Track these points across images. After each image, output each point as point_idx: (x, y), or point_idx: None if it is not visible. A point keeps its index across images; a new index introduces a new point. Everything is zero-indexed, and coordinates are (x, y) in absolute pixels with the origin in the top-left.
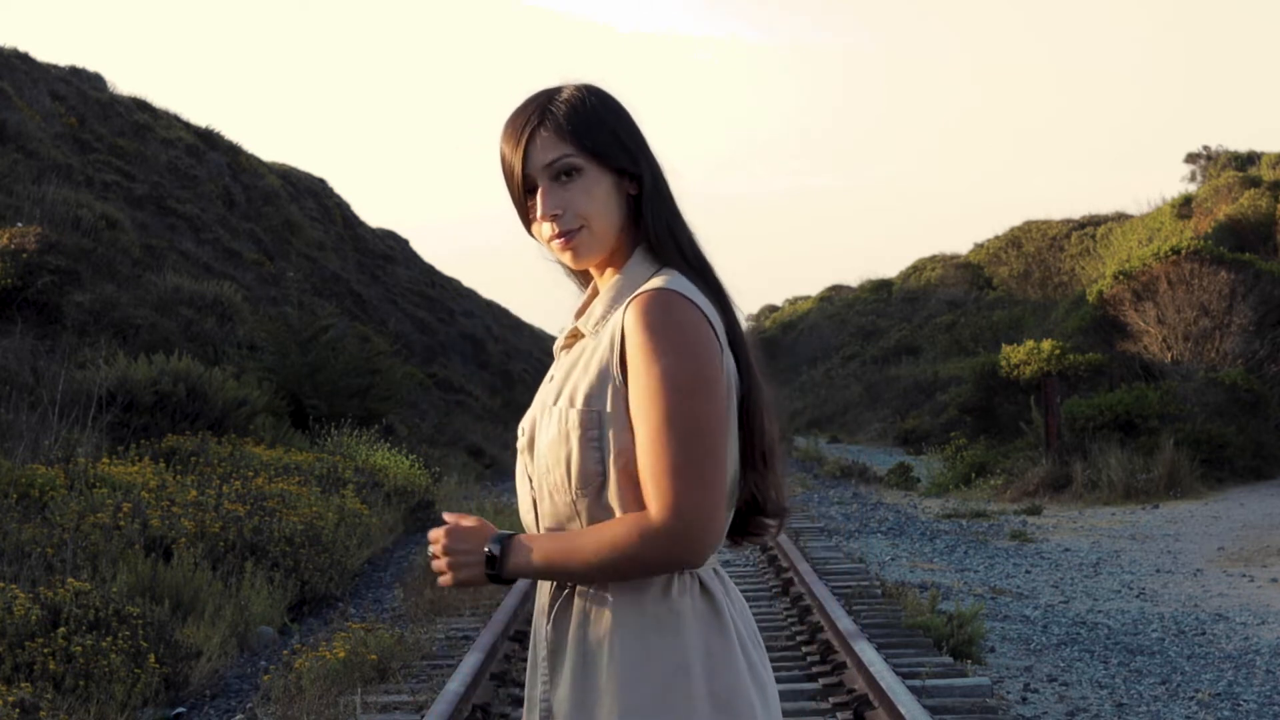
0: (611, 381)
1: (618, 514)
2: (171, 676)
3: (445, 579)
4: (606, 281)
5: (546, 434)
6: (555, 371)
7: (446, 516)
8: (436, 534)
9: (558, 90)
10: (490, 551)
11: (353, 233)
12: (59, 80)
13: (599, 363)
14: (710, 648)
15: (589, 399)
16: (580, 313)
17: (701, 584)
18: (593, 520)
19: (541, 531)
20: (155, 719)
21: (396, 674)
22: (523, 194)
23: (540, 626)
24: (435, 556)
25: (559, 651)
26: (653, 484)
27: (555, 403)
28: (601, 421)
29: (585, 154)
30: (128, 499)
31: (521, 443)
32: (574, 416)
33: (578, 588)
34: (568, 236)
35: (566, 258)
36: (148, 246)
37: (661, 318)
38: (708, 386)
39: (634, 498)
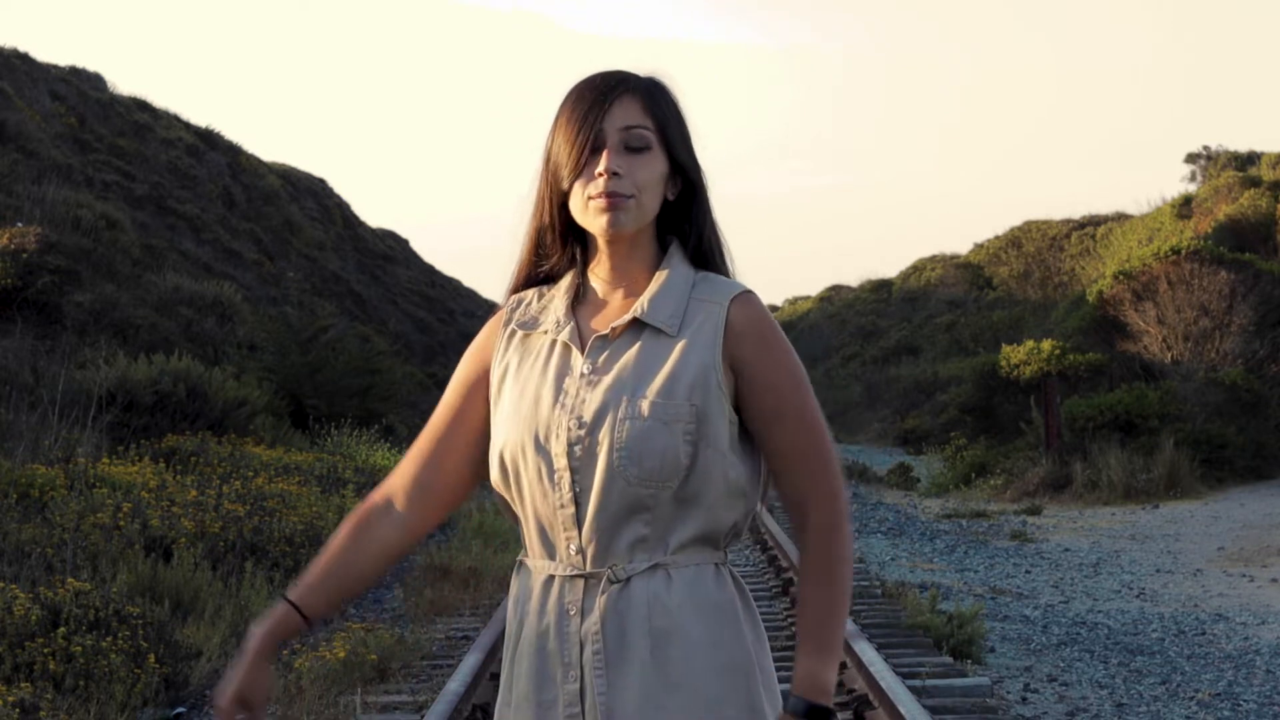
0: (714, 377)
1: (696, 503)
2: (171, 676)
3: None
4: (637, 270)
5: (630, 425)
6: (603, 361)
7: None
8: None
9: (644, 73)
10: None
11: (353, 233)
12: (59, 80)
13: (699, 359)
14: (754, 634)
15: (690, 393)
16: (575, 304)
17: (732, 575)
18: (666, 512)
19: (587, 523)
20: (155, 719)
21: (396, 674)
22: (587, 148)
23: (574, 630)
24: None
25: (619, 647)
26: (813, 482)
27: (635, 395)
28: (699, 416)
29: (659, 135)
30: (128, 499)
31: (576, 434)
32: (674, 409)
33: (635, 580)
34: (617, 199)
35: (603, 221)
36: (148, 246)
37: (769, 318)
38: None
39: (720, 489)
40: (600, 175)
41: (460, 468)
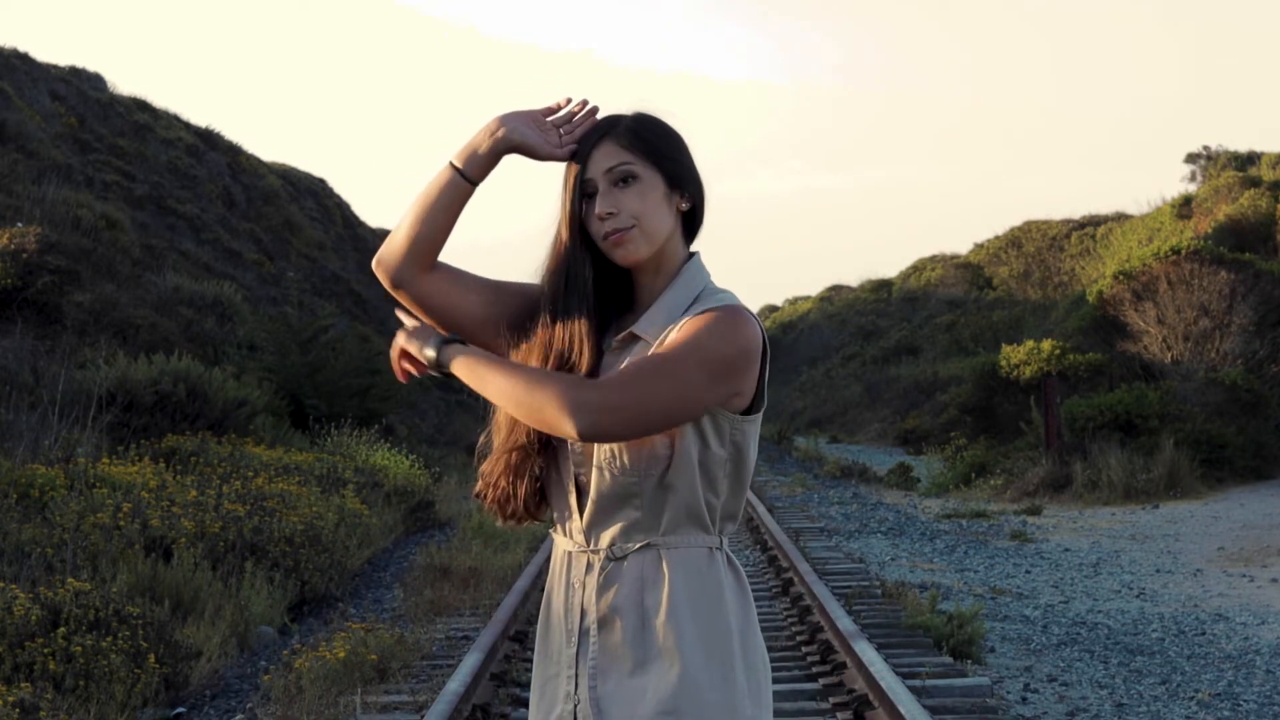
0: None
1: (679, 488)
2: (171, 676)
3: (399, 347)
4: (661, 288)
5: None
6: (605, 370)
7: (403, 318)
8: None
9: (627, 113)
10: (441, 337)
11: (353, 233)
12: (59, 80)
13: None
14: (740, 613)
15: None
16: (623, 316)
17: (728, 558)
18: (654, 498)
19: (587, 508)
20: (155, 719)
21: (396, 674)
22: (578, 199)
23: (576, 600)
24: (399, 346)
25: (612, 617)
26: (612, 373)
27: None
28: None
29: (643, 162)
30: (128, 499)
31: None
32: None
33: (630, 558)
34: (619, 233)
35: (617, 254)
36: (148, 246)
37: (724, 323)
38: (719, 378)
39: (700, 474)
40: (599, 218)
41: (469, 289)
